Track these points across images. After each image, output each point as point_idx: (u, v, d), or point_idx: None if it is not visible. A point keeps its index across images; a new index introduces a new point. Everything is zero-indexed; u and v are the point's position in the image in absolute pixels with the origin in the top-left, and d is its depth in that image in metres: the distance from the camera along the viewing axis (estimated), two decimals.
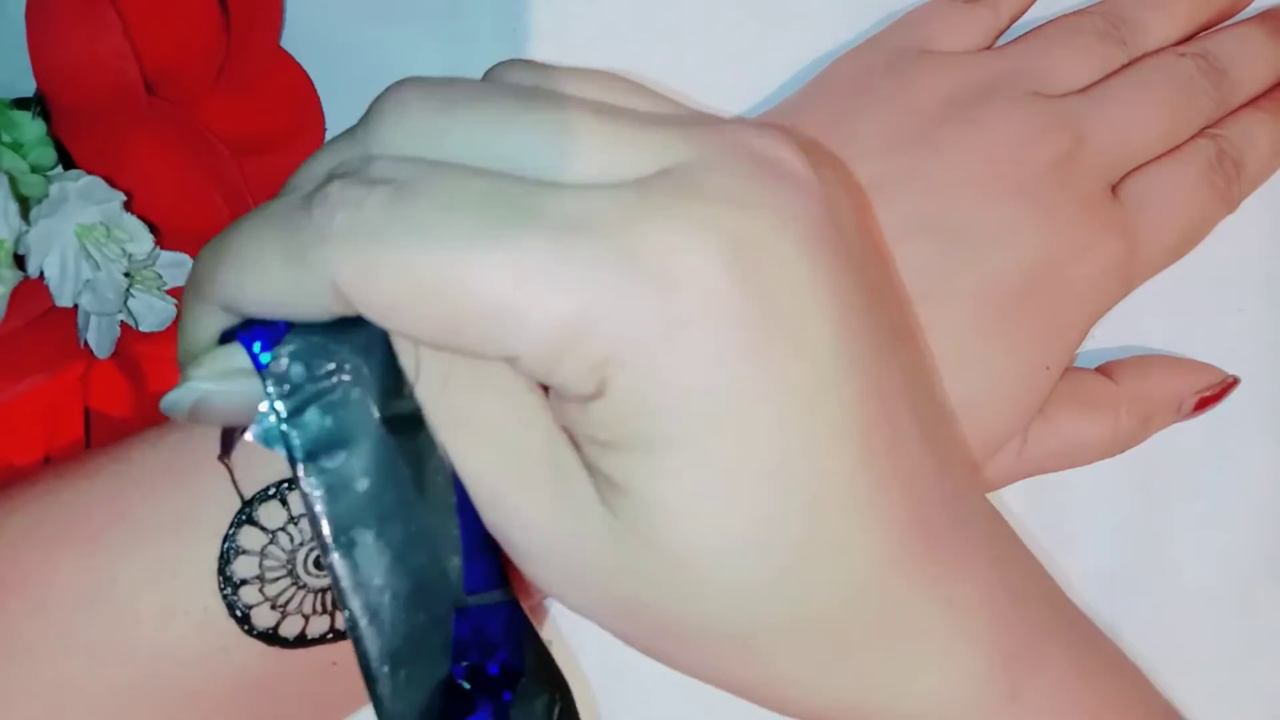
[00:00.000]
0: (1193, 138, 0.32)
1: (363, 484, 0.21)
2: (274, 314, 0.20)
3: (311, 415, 0.21)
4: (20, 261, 0.30)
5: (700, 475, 0.19)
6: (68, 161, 0.31)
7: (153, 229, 0.30)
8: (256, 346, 0.21)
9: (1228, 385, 0.33)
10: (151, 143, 0.31)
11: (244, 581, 0.26)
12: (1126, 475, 0.33)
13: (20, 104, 0.31)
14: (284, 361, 0.21)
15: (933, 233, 0.29)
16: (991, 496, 0.32)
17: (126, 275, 0.30)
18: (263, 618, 0.26)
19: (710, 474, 0.19)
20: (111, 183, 0.30)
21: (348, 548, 0.21)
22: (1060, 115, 0.31)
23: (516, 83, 0.21)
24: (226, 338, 0.21)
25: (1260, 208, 0.33)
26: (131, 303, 0.31)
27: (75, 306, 0.30)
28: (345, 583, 0.21)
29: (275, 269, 0.20)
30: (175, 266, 0.31)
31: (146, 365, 0.32)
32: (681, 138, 0.20)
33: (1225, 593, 0.33)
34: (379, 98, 0.21)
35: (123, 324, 0.31)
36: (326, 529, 0.21)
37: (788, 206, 0.19)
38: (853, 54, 0.33)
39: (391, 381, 0.21)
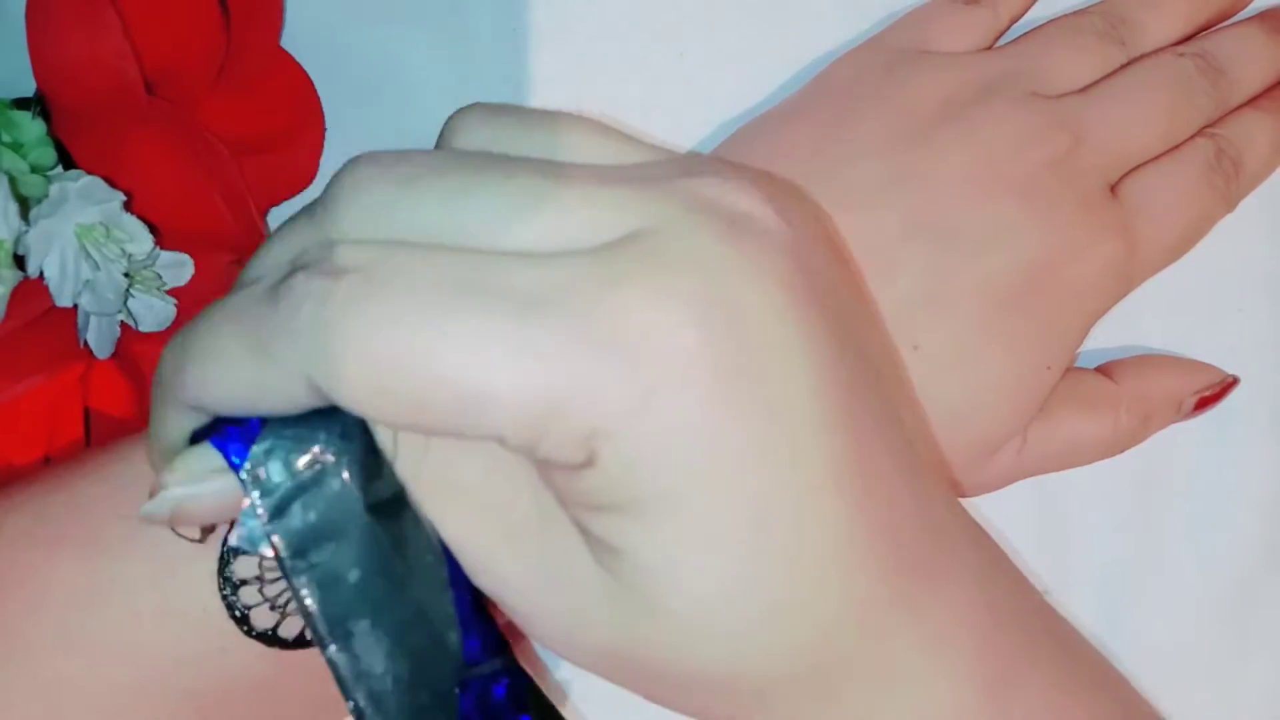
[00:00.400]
0: (1191, 137, 0.32)
1: (353, 574, 0.21)
2: (245, 411, 0.20)
3: (295, 512, 0.20)
4: (20, 262, 0.30)
5: (690, 534, 0.19)
6: (68, 162, 0.31)
7: (153, 229, 0.30)
8: (231, 448, 0.20)
9: (1227, 385, 0.33)
10: (151, 143, 0.31)
11: (243, 582, 0.26)
12: (1127, 475, 0.33)
13: (20, 104, 0.31)
14: (260, 461, 0.20)
15: (932, 233, 0.29)
16: (992, 497, 0.32)
17: (126, 275, 0.30)
18: (262, 618, 0.26)
19: (699, 533, 0.19)
20: (111, 183, 0.30)
21: (345, 639, 0.21)
22: (1058, 115, 0.31)
23: (476, 137, 0.21)
24: (197, 438, 0.21)
25: (1260, 208, 0.33)
26: (131, 303, 0.31)
27: (75, 307, 0.30)
28: (346, 674, 0.21)
29: (243, 365, 0.19)
30: (175, 267, 0.31)
31: (146, 366, 0.32)
32: (642, 198, 0.19)
33: (1226, 592, 0.33)
34: (335, 178, 0.20)
35: (122, 324, 0.31)
36: (322, 624, 0.21)
37: (755, 263, 0.19)
38: (852, 54, 0.33)
39: (372, 465, 0.21)
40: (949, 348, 0.29)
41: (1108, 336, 0.33)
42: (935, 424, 0.29)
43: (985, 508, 0.33)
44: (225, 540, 0.26)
